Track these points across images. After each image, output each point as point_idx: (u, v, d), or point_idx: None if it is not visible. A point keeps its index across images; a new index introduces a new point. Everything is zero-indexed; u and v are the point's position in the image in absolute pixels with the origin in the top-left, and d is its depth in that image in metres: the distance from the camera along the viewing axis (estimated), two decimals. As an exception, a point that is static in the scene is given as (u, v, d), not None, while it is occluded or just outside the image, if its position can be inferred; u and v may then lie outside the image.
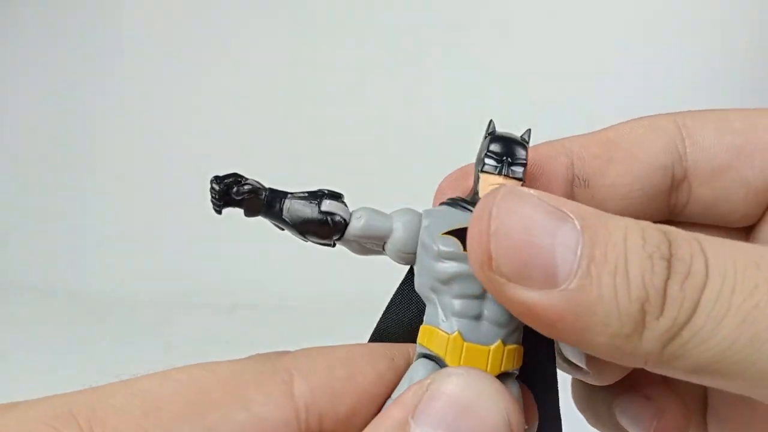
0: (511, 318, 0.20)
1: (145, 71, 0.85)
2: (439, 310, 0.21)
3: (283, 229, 0.22)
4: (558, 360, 0.23)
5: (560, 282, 0.17)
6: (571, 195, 0.23)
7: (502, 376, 0.21)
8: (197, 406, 0.18)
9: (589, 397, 0.26)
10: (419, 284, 0.22)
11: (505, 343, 0.20)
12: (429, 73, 0.79)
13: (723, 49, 0.73)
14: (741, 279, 0.16)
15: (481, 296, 0.20)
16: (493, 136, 0.22)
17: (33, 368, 0.63)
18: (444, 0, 0.80)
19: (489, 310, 0.20)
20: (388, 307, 0.24)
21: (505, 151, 0.22)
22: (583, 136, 0.24)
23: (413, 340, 0.22)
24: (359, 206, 0.22)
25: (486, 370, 0.20)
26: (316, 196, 0.22)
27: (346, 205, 0.22)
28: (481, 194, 0.21)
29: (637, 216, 0.21)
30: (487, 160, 0.22)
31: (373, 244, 0.22)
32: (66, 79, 0.89)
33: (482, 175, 0.22)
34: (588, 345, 0.18)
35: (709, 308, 0.16)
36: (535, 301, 0.17)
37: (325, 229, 0.21)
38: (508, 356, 0.21)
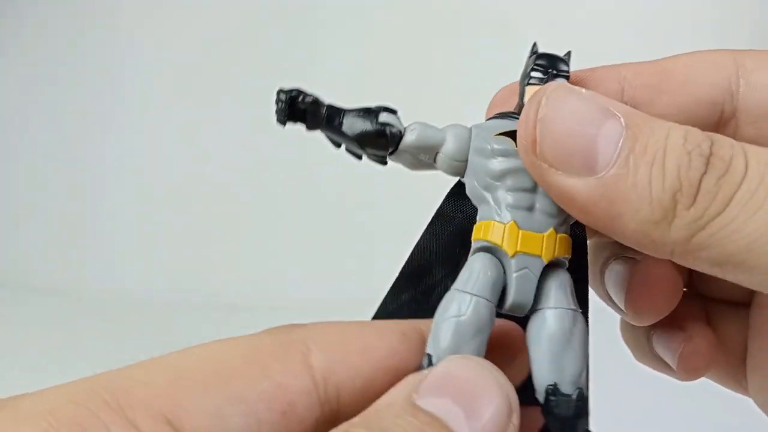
0: (560, 212, 0.22)
1: (150, 71, 0.85)
2: (493, 205, 0.22)
3: (339, 146, 0.23)
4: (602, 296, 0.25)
5: (599, 170, 0.18)
6: None
7: (554, 264, 0.22)
8: (220, 376, 0.19)
9: (632, 329, 0.27)
10: (471, 187, 0.23)
11: (557, 231, 0.22)
12: (428, 75, 0.79)
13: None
14: None
15: (533, 189, 0.22)
16: (537, 53, 0.24)
17: (33, 368, 0.63)
18: (444, 1, 0.80)
19: (540, 202, 0.22)
20: (433, 220, 0.25)
21: (550, 65, 0.23)
22: (641, 63, 0.24)
23: (455, 251, 0.23)
24: (412, 121, 0.23)
25: (541, 255, 0.21)
26: (373, 111, 0.23)
27: (399, 119, 0.23)
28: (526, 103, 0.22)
29: None
30: (533, 73, 0.23)
31: (425, 155, 0.23)
32: (69, 78, 0.89)
33: (528, 88, 0.23)
34: (619, 232, 0.19)
35: (743, 202, 0.17)
36: (573, 186, 0.19)
37: (383, 140, 0.22)
38: (561, 243, 0.22)
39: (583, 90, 0.20)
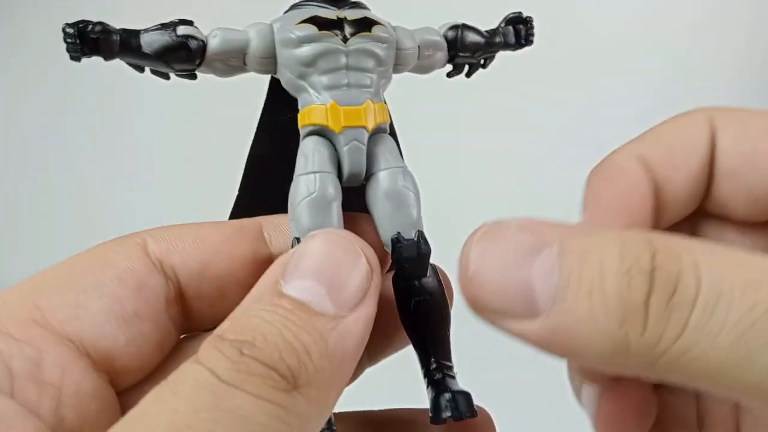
0: (371, 82, 0.23)
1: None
2: (311, 91, 0.23)
3: (143, 70, 0.23)
4: None
5: (541, 311, 0.17)
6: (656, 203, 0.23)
7: (379, 131, 0.23)
8: (71, 276, 0.21)
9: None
10: (287, 80, 0.23)
11: (373, 101, 0.23)
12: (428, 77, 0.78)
13: (726, 48, 0.73)
14: (738, 297, 0.16)
15: (345, 66, 0.23)
16: None
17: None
18: (443, 1, 0.80)
19: (352, 78, 0.23)
20: (258, 127, 0.26)
21: None
22: (648, 139, 0.24)
23: (287, 149, 0.24)
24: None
25: (365, 126, 0.23)
26: (169, 25, 0.23)
27: (198, 29, 0.23)
28: None
29: (685, 208, 0.24)
30: None
31: (234, 59, 0.23)
32: (67, 80, 0.89)
33: None
34: (582, 363, 0.19)
35: (701, 327, 0.16)
36: (524, 329, 0.18)
37: (186, 52, 0.23)
38: (378, 111, 0.23)
39: (513, 224, 0.19)
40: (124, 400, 0.22)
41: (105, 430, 0.16)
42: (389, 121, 0.24)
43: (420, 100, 0.77)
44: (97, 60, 0.23)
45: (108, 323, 0.21)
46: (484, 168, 0.73)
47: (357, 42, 0.23)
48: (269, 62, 0.24)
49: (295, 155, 0.24)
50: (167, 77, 0.23)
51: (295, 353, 0.17)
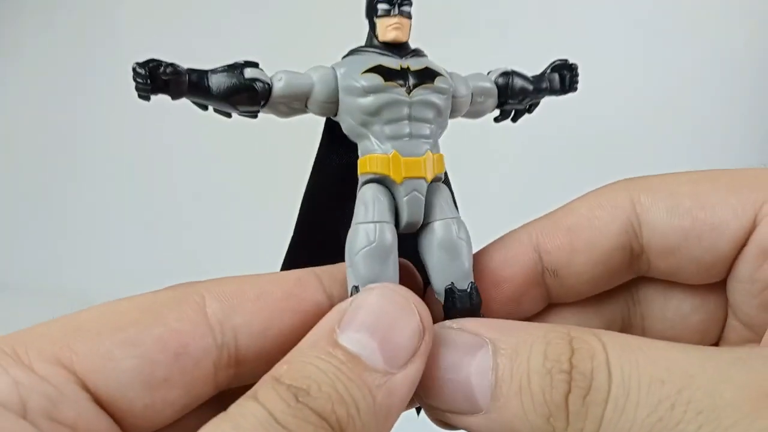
0: (431, 132, 0.24)
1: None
2: (373, 139, 0.23)
3: (206, 108, 0.24)
4: None
5: (482, 407, 0.20)
6: (544, 286, 0.25)
7: (436, 180, 0.24)
8: (114, 324, 0.20)
9: None
10: (349, 125, 0.24)
11: (432, 152, 0.24)
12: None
13: (724, 48, 0.73)
14: (645, 394, 0.18)
15: (408, 117, 0.23)
16: None
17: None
18: (443, 1, 0.80)
19: (414, 128, 0.23)
20: (315, 165, 0.26)
21: None
22: (549, 224, 0.25)
23: (342, 189, 0.24)
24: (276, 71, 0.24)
25: (425, 177, 0.23)
26: (236, 66, 0.23)
27: (263, 72, 0.24)
28: (380, 37, 0.24)
29: (605, 286, 0.25)
30: (379, 6, 0.24)
31: (296, 102, 0.24)
32: (64, 82, 0.89)
33: (378, 20, 0.24)
34: None
35: (615, 421, 0.18)
36: (471, 423, 0.20)
37: (252, 94, 0.23)
38: (436, 162, 0.24)
39: (454, 326, 0.21)
40: None
41: None
42: (444, 170, 0.25)
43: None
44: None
45: (132, 385, 0.19)
46: (485, 173, 0.73)
47: (420, 93, 0.23)
48: (331, 107, 0.24)
49: (350, 198, 0.24)
50: (229, 116, 0.24)
51: (345, 406, 0.18)
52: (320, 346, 0.19)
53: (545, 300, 0.26)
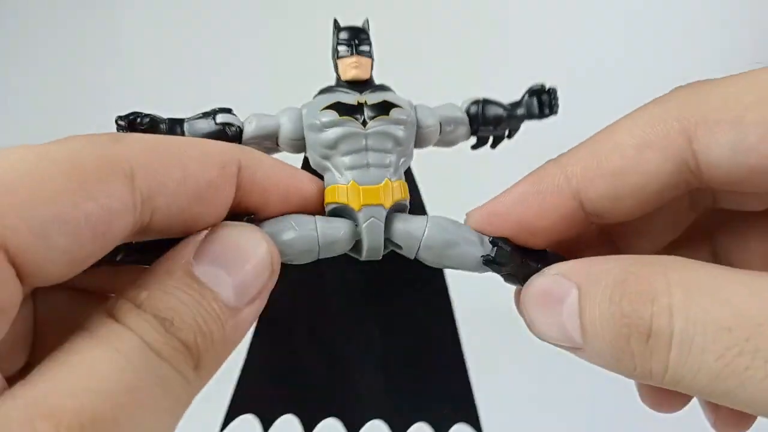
0: (390, 161, 0.25)
1: (142, 75, 0.85)
2: (334, 171, 0.25)
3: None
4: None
5: (579, 344, 0.21)
6: (590, 224, 0.24)
7: (397, 206, 0.25)
8: (45, 193, 0.18)
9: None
10: (313, 158, 0.26)
11: (391, 180, 0.25)
12: (428, 72, 0.79)
13: (723, 48, 0.73)
14: (711, 341, 0.18)
15: (365, 148, 0.25)
16: (338, 27, 0.27)
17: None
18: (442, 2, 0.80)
19: (372, 158, 0.25)
20: None
21: (352, 36, 0.26)
22: (588, 162, 0.23)
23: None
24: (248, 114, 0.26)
25: (382, 203, 0.24)
26: (210, 113, 0.26)
27: (236, 116, 0.26)
28: (342, 77, 0.26)
29: (661, 221, 0.25)
30: (339, 48, 0.26)
31: (268, 141, 0.26)
32: (63, 77, 0.89)
33: (339, 61, 0.26)
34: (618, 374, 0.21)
35: (681, 363, 0.19)
36: (580, 356, 0.22)
37: (224, 137, 0.25)
38: (396, 189, 0.25)
39: (551, 273, 0.22)
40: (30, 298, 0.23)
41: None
42: (408, 197, 0.26)
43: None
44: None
45: (57, 262, 0.18)
46: (485, 169, 0.73)
47: (375, 125, 0.25)
48: (299, 144, 0.26)
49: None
50: None
51: (204, 337, 0.20)
52: (178, 276, 0.20)
53: (597, 230, 0.26)
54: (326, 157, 0.25)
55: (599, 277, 0.21)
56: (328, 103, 0.25)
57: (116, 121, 0.25)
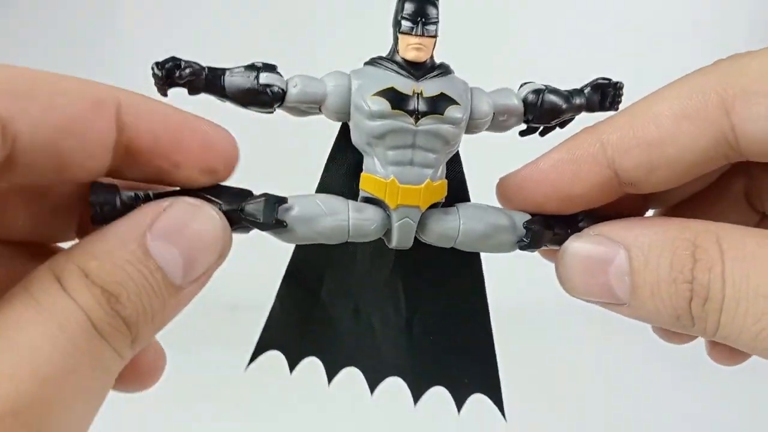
0: (435, 161, 0.24)
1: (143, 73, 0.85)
2: (376, 160, 0.24)
3: (225, 101, 0.24)
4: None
5: (624, 301, 0.22)
6: (621, 195, 0.25)
7: (433, 206, 0.25)
8: None
9: None
10: (357, 139, 0.24)
11: (432, 180, 0.24)
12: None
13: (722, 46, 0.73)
14: (752, 305, 0.20)
15: (412, 145, 0.23)
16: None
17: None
18: None
19: (417, 156, 0.24)
20: (329, 161, 0.26)
21: (419, 11, 0.23)
22: (626, 139, 0.23)
23: (352, 187, 0.25)
24: (293, 75, 0.24)
25: (419, 205, 0.24)
26: (254, 69, 0.24)
27: (281, 75, 0.24)
28: (401, 53, 0.24)
29: (696, 184, 0.26)
30: (403, 22, 0.23)
31: (310, 107, 0.24)
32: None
33: (400, 37, 0.24)
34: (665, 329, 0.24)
35: (729, 324, 0.21)
36: (618, 311, 0.23)
37: (265, 98, 0.24)
38: (436, 190, 0.24)
39: (592, 233, 0.23)
40: None
41: None
42: (444, 197, 0.25)
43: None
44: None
45: None
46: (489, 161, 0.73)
47: (427, 123, 0.23)
48: (343, 116, 0.24)
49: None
50: (246, 108, 0.25)
51: (145, 317, 0.20)
52: (131, 249, 0.20)
53: (633, 196, 0.25)
54: (370, 145, 0.24)
55: (653, 242, 0.22)
56: (381, 88, 0.23)
57: (152, 68, 0.23)
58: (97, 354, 0.18)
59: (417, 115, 0.23)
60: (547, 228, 0.25)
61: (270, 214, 0.23)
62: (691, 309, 0.21)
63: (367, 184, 0.24)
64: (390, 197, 0.24)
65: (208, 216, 0.22)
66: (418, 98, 0.23)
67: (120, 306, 0.19)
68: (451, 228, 0.25)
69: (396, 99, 0.23)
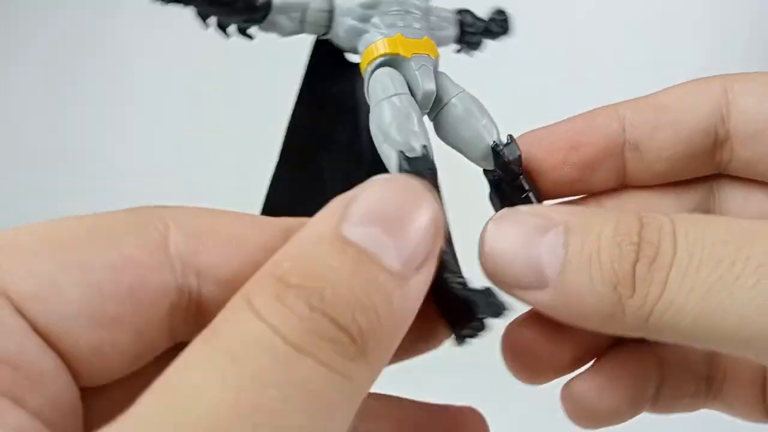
0: (424, 25, 0.25)
1: (141, 74, 0.85)
2: (374, 31, 0.25)
3: (207, 25, 0.25)
4: None
5: (549, 282, 0.20)
6: (622, 159, 0.26)
7: (427, 57, 0.25)
8: (58, 243, 0.16)
9: None
10: (347, 28, 0.25)
11: (430, 37, 0.25)
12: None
13: (723, 46, 0.73)
14: (708, 255, 0.18)
15: (406, 10, 0.25)
16: None
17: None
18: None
19: (408, 19, 0.25)
20: (298, 102, 0.27)
21: None
22: (640, 100, 0.26)
23: (331, 123, 0.25)
24: None
25: (430, 54, 0.25)
26: None
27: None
28: None
29: (683, 173, 0.26)
30: None
31: (295, 12, 0.25)
32: (62, 78, 0.89)
33: None
34: (589, 327, 0.20)
35: (677, 283, 0.18)
36: (536, 298, 0.20)
37: (258, 3, 0.24)
38: (434, 46, 0.25)
39: (524, 209, 0.21)
40: (88, 396, 0.18)
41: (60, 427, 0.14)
42: (439, 56, 0.26)
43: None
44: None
45: (78, 320, 0.16)
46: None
47: None
48: (326, 16, 0.25)
49: (341, 130, 0.26)
50: (227, 35, 0.25)
51: (366, 313, 0.15)
52: (326, 242, 0.16)
53: (621, 177, 0.26)
54: (365, 19, 0.25)
55: (595, 213, 0.21)
56: None
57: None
58: (301, 376, 0.14)
59: None
60: (522, 174, 0.25)
61: None
62: (634, 272, 0.19)
63: (374, 51, 0.25)
64: (403, 48, 0.24)
65: (405, 187, 0.18)
66: None
67: (325, 304, 0.15)
68: (453, 87, 0.26)
69: None
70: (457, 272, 0.21)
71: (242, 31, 0.25)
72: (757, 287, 0.17)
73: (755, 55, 0.73)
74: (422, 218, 0.17)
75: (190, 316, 0.18)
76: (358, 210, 0.17)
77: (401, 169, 0.22)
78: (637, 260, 0.19)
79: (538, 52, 0.76)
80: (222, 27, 0.25)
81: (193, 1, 0.24)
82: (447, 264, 0.21)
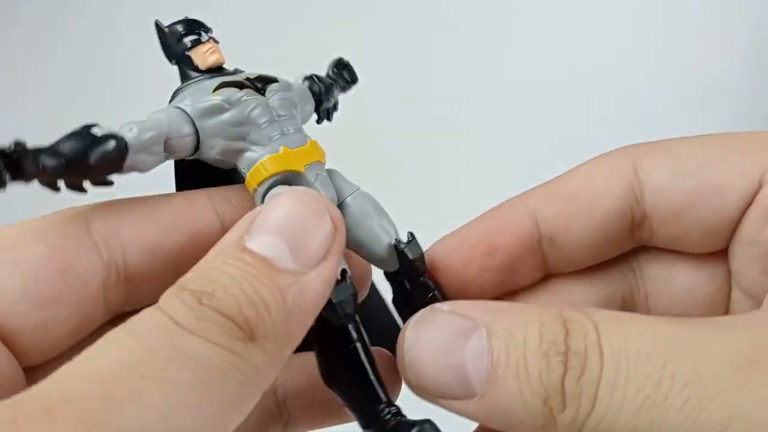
0: (299, 126, 0.24)
1: (143, 78, 0.85)
2: (255, 148, 0.23)
3: (58, 188, 0.20)
4: None
5: (477, 391, 0.19)
6: (541, 253, 0.25)
7: (319, 164, 0.24)
8: None
9: None
10: (221, 149, 0.23)
11: (311, 139, 0.24)
12: (430, 73, 0.79)
13: (723, 48, 0.73)
14: (633, 369, 0.18)
15: (277, 117, 0.23)
16: (170, 26, 0.25)
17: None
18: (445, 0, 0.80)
19: (285, 125, 0.23)
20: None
21: (193, 26, 0.25)
22: (549, 189, 0.25)
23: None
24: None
25: (320, 160, 0.24)
26: (81, 131, 0.20)
27: (109, 128, 0.21)
28: (201, 65, 0.24)
29: (605, 254, 0.25)
30: (186, 39, 0.24)
31: (156, 146, 0.22)
32: (64, 79, 0.89)
33: (192, 52, 0.24)
34: None
35: (607, 399, 0.18)
36: (464, 408, 0.20)
37: (114, 148, 0.20)
38: (318, 147, 0.24)
39: (445, 308, 0.21)
40: (31, 374, 0.20)
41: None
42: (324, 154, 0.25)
43: (424, 100, 0.78)
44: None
45: (18, 303, 0.19)
46: (483, 170, 0.73)
47: (273, 92, 0.24)
48: (190, 139, 0.23)
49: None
50: (84, 190, 0.21)
51: (254, 306, 0.17)
52: (228, 252, 0.19)
53: (542, 269, 0.25)
54: (241, 137, 0.23)
55: (517, 316, 0.20)
56: (214, 86, 0.23)
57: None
58: (188, 347, 0.16)
59: (260, 90, 0.23)
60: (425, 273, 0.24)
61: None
62: (564, 385, 0.18)
63: (263, 171, 0.23)
64: (296, 162, 0.23)
65: (300, 198, 0.20)
66: (249, 80, 0.24)
67: (214, 300, 0.17)
68: (349, 187, 0.24)
69: (235, 84, 0.23)
70: (387, 401, 0.21)
71: (100, 183, 0.21)
72: (686, 407, 0.17)
73: (755, 56, 0.73)
74: (320, 224, 0.20)
75: (122, 287, 0.21)
76: (260, 222, 0.19)
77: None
78: (565, 372, 0.18)
79: (541, 49, 0.76)
80: (74, 187, 0.20)
81: (38, 175, 0.19)
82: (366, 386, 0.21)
